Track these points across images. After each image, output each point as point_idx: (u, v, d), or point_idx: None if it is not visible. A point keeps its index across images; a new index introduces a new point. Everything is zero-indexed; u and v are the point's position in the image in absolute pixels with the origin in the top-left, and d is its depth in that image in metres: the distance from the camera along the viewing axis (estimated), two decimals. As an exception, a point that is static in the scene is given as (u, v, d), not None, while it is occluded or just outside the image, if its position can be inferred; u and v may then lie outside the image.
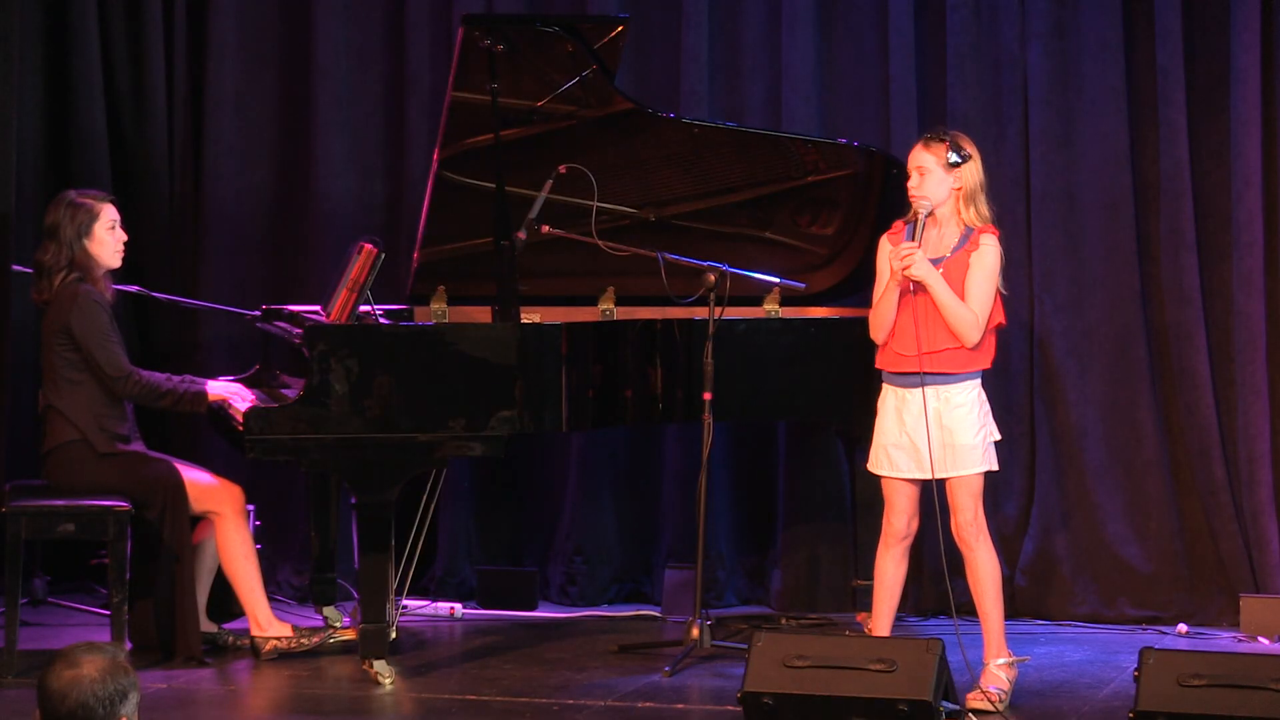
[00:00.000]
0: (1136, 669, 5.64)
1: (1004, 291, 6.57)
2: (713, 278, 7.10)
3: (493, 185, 7.14)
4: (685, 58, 8.31)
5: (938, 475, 6.51)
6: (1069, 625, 7.90)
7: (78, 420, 7.14)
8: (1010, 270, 8.05)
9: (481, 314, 7.54)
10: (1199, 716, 5.54)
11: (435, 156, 7.35)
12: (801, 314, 7.69)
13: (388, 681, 6.84)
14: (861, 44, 8.25)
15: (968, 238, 6.49)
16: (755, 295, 7.67)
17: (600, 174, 7.34)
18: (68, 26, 8.56)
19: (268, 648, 7.22)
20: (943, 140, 6.47)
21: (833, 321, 7.50)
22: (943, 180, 6.47)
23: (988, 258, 6.46)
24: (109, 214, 7.21)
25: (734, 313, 7.27)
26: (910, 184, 6.52)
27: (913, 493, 6.59)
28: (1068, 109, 8.01)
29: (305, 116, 8.61)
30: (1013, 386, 8.09)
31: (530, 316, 7.22)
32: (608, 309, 7.77)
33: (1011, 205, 8.07)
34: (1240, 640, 7.58)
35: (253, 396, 7.28)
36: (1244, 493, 7.83)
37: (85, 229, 7.15)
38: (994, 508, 8.10)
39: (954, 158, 6.44)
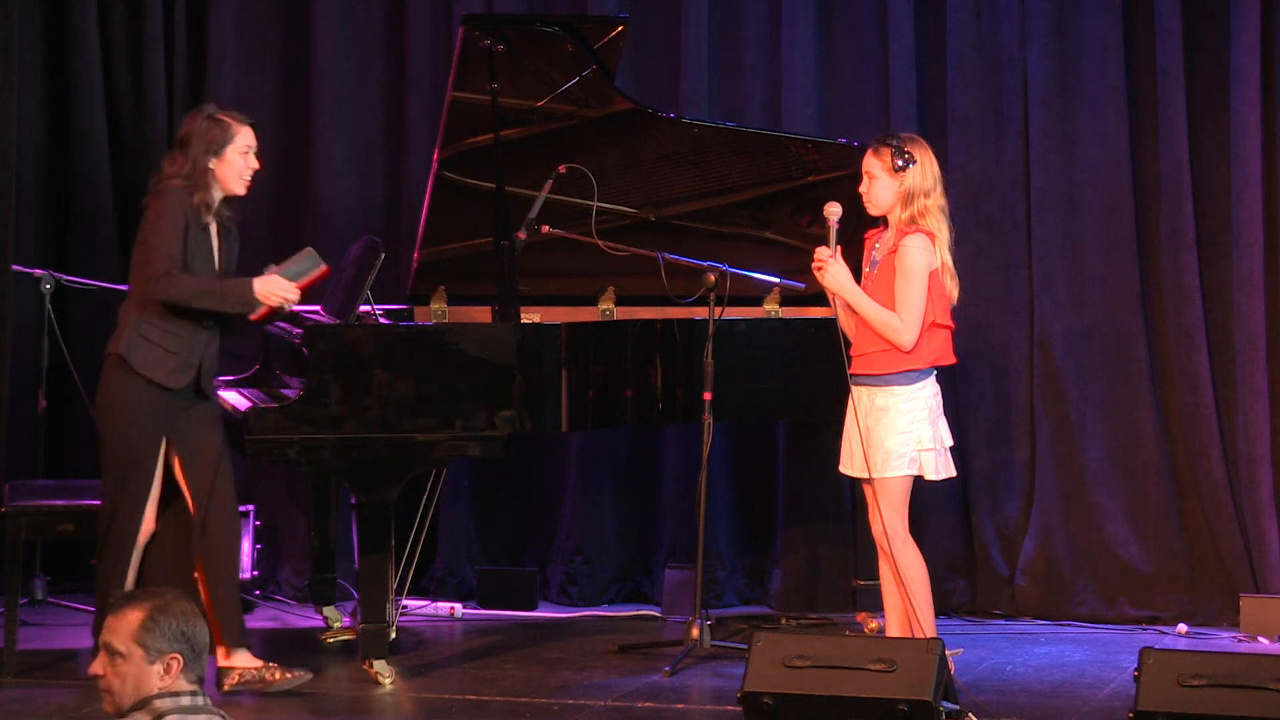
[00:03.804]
0: (1136, 669, 5.64)
1: (952, 295, 6.55)
2: (713, 278, 7.09)
3: (493, 185, 7.14)
4: (685, 58, 8.31)
5: (860, 475, 6.57)
6: (1069, 625, 7.91)
7: (123, 329, 6.67)
8: (1010, 270, 8.09)
9: (481, 314, 7.54)
10: (1199, 716, 5.54)
11: (435, 156, 7.35)
12: (801, 314, 7.69)
13: (388, 681, 6.83)
14: (861, 44, 8.25)
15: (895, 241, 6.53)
16: (755, 295, 7.67)
17: (600, 174, 7.34)
18: (68, 27, 8.57)
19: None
20: (888, 145, 6.51)
21: (833, 321, 7.48)
22: (889, 185, 6.52)
23: (906, 259, 6.47)
24: (245, 137, 6.71)
25: (734, 313, 7.27)
26: (860, 188, 6.58)
27: (869, 489, 6.61)
28: (1068, 109, 8.01)
29: (305, 116, 8.61)
30: (1013, 386, 8.10)
31: (530, 316, 7.22)
32: (608, 309, 7.77)
33: (1011, 205, 8.08)
34: (1240, 640, 7.58)
35: (295, 292, 6.79)
36: (1244, 493, 7.83)
37: (217, 148, 6.67)
38: (994, 508, 8.11)
39: (899, 162, 6.47)
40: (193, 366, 6.73)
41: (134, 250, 6.77)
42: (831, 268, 6.54)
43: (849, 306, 6.57)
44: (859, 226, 6.81)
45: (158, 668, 3.87)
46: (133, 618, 3.88)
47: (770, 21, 8.29)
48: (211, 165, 6.67)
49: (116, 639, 3.87)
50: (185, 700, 3.89)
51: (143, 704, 3.87)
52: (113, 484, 6.73)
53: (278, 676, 6.68)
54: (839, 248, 6.58)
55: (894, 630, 6.62)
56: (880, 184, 6.53)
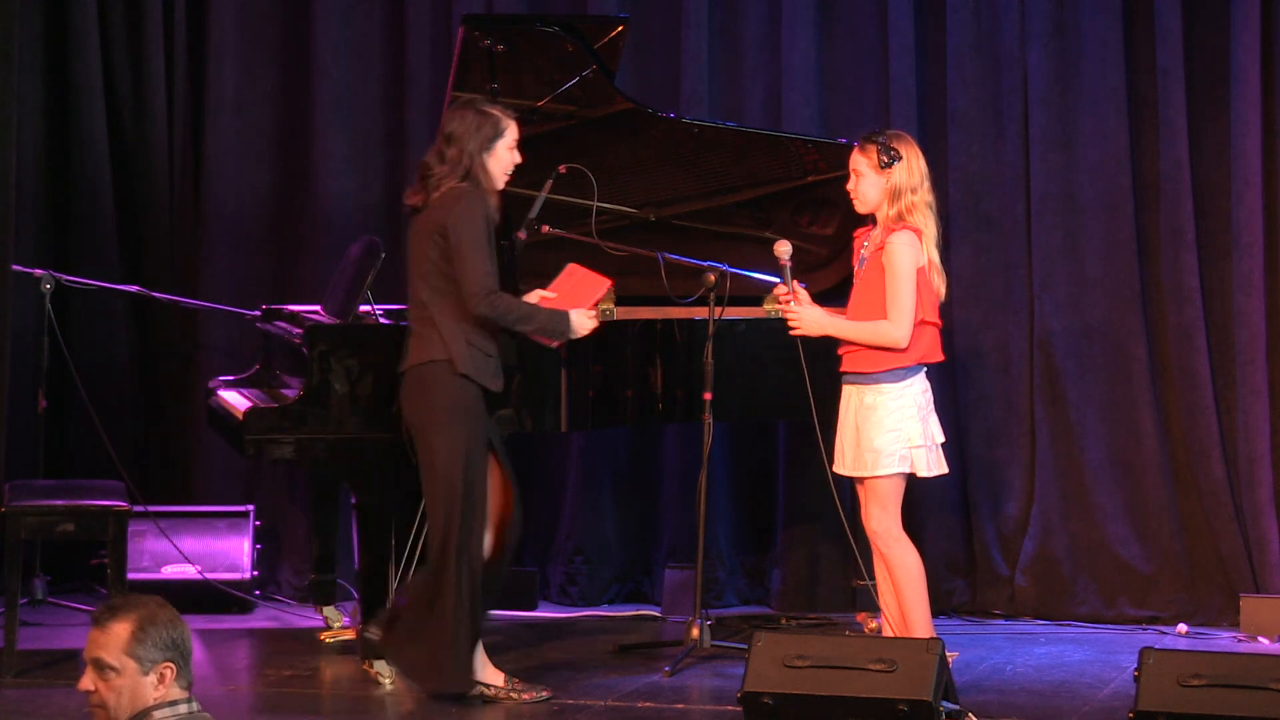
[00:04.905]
0: (1136, 669, 5.64)
1: (940, 292, 6.58)
2: (713, 278, 7.09)
3: (493, 185, 7.13)
4: (685, 58, 8.31)
5: (853, 474, 6.59)
6: (1069, 625, 7.91)
7: (444, 332, 6.43)
8: (1010, 270, 8.09)
9: (481, 314, 7.53)
10: (1199, 716, 5.54)
11: (435, 156, 7.34)
12: (801, 314, 7.68)
13: (388, 681, 6.83)
14: (861, 44, 8.25)
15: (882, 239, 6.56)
16: (755, 295, 7.66)
17: (600, 174, 7.33)
18: (68, 28, 8.56)
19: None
20: (874, 142, 6.52)
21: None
22: (875, 182, 6.55)
23: (893, 257, 6.50)
24: (513, 132, 6.53)
25: (734, 313, 7.27)
26: (848, 185, 6.61)
27: (861, 488, 6.63)
28: (1068, 109, 8.01)
29: (305, 116, 8.61)
30: (1013, 386, 8.09)
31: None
32: (608, 309, 7.76)
33: (1011, 205, 8.08)
34: (1240, 640, 7.58)
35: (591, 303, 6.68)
36: (1244, 493, 7.83)
37: (489, 143, 6.49)
38: (994, 508, 8.11)
39: (884, 159, 6.49)
40: (501, 369, 6.59)
41: (415, 250, 6.53)
42: (804, 316, 6.60)
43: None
44: (859, 223, 6.82)
45: (152, 678, 3.84)
46: (121, 630, 3.83)
47: (770, 22, 8.29)
48: (485, 159, 6.52)
49: (107, 653, 3.83)
50: (182, 709, 3.86)
51: (140, 717, 3.84)
52: (455, 499, 6.49)
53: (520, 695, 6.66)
54: (795, 282, 6.62)
55: (891, 631, 6.63)
56: (867, 181, 6.56)
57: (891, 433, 6.48)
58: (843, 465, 6.62)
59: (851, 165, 6.60)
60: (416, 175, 6.61)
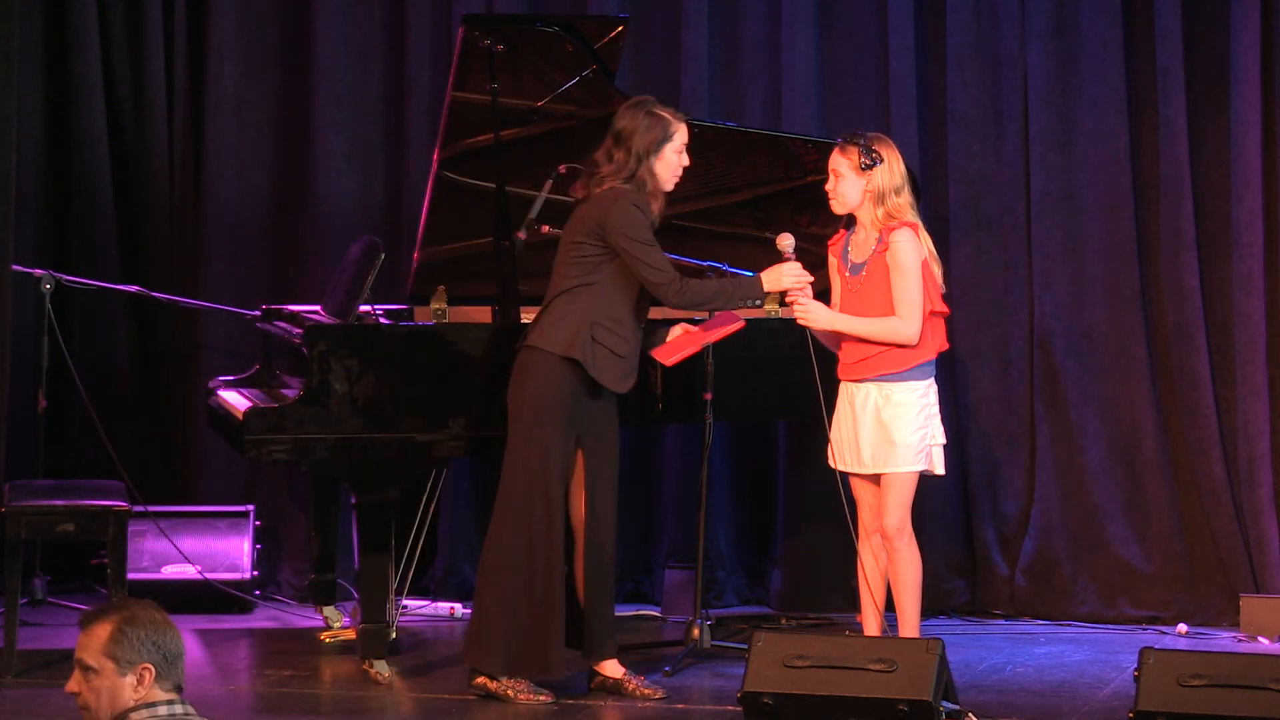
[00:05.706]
0: (1136, 669, 5.65)
1: (938, 279, 6.62)
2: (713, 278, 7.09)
3: (493, 185, 7.14)
4: (685, 58, 8.31)
5: (873, 471, 6.61)
6: (1069, 625, 7.91)
7: (571, 323, 6.54)
8: (1010, 270, 8.09)
9: (481, 314, 7.53)
10: (1199, 716, 5.54)
11: (435, 156, 7.35)
12: (801, 314, 7.68)
13: (387, 681, 6.83)
14: (861, 44, 8.26)
15: (880, 240, 6.57)
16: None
17: (600, 174, 7.33)
18: (68, 27, 8.56)
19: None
20: (856, 144, 6.55)
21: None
22: (855, 183, 6.58)
23: (900, 255, 6.53)
24: (682, 136, 6.61)
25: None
26: (826, 185, 6.66)
27: (870, 486, 6.64)
28: (1068, 109, 8.01)
29: (305, 116, 8.61)
30: (1013, 386, 8.10)
31: (530, 316, 7.21)
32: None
33: (1011, 205, 8.08)
34: (1240, 640, 7.59)
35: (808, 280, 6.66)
36: (1244, 493, 7.84)
37: (656, 147, 6.56)
38: (994, 508, 8.11)
39: (865, 162, 6.50)
40: (635, 369, 6.66)
41: (566, 237, 6.67)
42: (811, 311, 6.60)
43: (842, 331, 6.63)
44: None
45: (130, 679, 3.83)
46: (101, 632, 3.83)
47: (770, 22, 8.29)
48: (652, 163, 6.59)
49: (88, 654, 3.84)
50: (162, 710, 3.85)
51: (120, 718, 3.84)
52: (520, 495, 6.59)
53: (633, 688, 6.70)
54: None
55: (872, 628, 6.67)
56: (847, 182, 6.60)
57: (920, 430, 6.54)
58: (857, 464, 6.62)
59: (831, 166, 6.65)
60: (584, 170, 6.67)
